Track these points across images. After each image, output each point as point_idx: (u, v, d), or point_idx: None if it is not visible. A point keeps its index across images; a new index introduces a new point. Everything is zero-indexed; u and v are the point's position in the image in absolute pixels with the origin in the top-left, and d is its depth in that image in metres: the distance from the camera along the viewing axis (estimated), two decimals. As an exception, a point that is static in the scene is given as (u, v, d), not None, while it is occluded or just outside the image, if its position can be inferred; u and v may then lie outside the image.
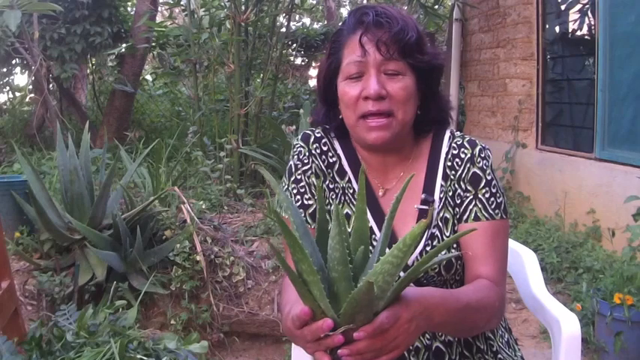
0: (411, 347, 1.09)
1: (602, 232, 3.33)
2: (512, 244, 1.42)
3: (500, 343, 1.15)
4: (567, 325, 1.16)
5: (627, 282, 2.48)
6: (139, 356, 1.32)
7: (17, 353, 1.31)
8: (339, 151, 1.17)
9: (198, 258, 2.65)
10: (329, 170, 1.15)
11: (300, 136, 1.19)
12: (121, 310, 1.58)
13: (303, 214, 1.12)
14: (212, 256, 2.72)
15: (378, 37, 1.04)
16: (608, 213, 3.32)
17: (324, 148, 1.17)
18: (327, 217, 0.83)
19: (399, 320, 0.75)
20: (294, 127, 4.11)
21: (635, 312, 2.30)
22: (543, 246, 3.39)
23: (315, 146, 1.16)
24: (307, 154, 1.15)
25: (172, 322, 2.57)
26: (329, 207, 1.13)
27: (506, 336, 1.19)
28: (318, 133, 1.18)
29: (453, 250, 1.08)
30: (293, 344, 1.30)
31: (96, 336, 1.36)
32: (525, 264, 1.36)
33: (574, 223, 3.63)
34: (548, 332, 1.29)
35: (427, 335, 1.09)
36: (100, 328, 1.39)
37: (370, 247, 0.82)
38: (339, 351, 0.75)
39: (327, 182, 1.15)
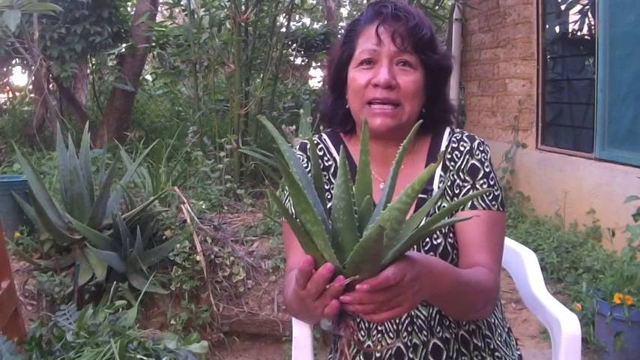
0: (409, 344, 1.09)
1: (602, 232, 3.33)
2: (513, 244, 1.43)
3: (498, 342, 1.15)
4: (567, 325, 1.16)
5: (627, 282, 2.48)
6: (139, 356, 1.32)
7: (17, 353, 1.31)
8: (335, 155, 1.21)
9: (198, 258, 2.65)
10: (325, 173, 1.19)
11: (297, 146, 1.24)
12: (121, 310, 1.58)
13: None
14: (212, 256, 2.71)
15: (395, 29, 1.07)
16: (608, 213, 3.32)
17: (320, 154, 1.21)
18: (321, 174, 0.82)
19: (405, 277, 0.73)
20: (294, 127, 4.10)
21: (635, 312, 2.30)
22: (543, 246, 3.39)
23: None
24: (306, 160, 1.19)
25: (172, 322, 2.57)
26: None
27: (504, 335, 1.19)
28: (314, 140, 1.23)
29: (449, 239, 1.09)
30: (293, 344, 1.30)
31: (96, 336, 1.36)
32: (525, 264, 1.36)
33: (574, 223, 3.63)
34: (548, 332, 1.29)
35: (424, 332, 1.09)
36: (100, 328, 1.39)
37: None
38: (341, 297, 0.73)
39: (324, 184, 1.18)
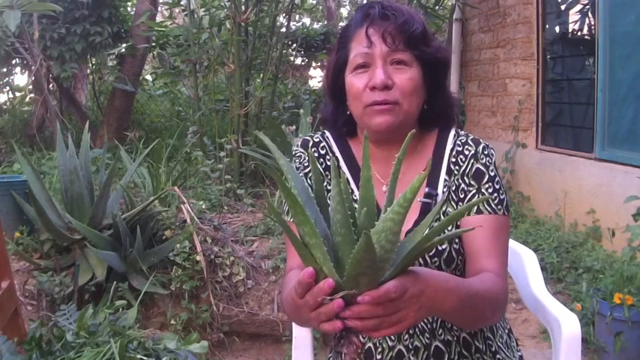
0: (410, 346, 1.09)
1: (602, 232, 3.33)
2: (512, 244, 1.42)
3: (499, 343, 1.15)
4: (567, 325, 1.16)
5: (627, 282, 2.48)
6: (139, 356, 1.32)
7: (17, 353, 1.31)
8: (337, 154, 1.19)
9: (198, 258, 2.65)
10: (326, 172, 1.17)
11: (299, 143, 1.22)
12: (121, 310, 1.58)
13: None
14: (212, 256, 2.72)
15: (384, 29, 1.06)
16: (608, 213, 3.32)
17: (322, 152, 1.19)
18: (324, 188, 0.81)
19: (406, 293, 0.72)
20: (294, 127, 4.10)
21: (635, 312, 2.30)
22: (543, 246, 3.39)
23: (313, 150, 1.19)
24: (307, 158, 1.18)
25: (172, 322, 2.58)
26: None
27: (505, 336, 1.19)
28: (316, 138, 1.21)
29: (454, 245, 1.08)
30: (293, 344, 1.30)
31: (96, 336, 1.36)
32: (525, 264, 1.36)
33: (574, 223, 3.63)
34: (548, 332, 1.29)
35: (427, 334, 1.09)
36: (100, 328, 1.39)
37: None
38: (342, 312, 0.72)
39: (325, 184, 1.16)
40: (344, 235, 0.71)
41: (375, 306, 0.71)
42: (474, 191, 1.10)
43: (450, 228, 1.09)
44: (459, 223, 1.09)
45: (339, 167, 1.17)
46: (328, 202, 0.78)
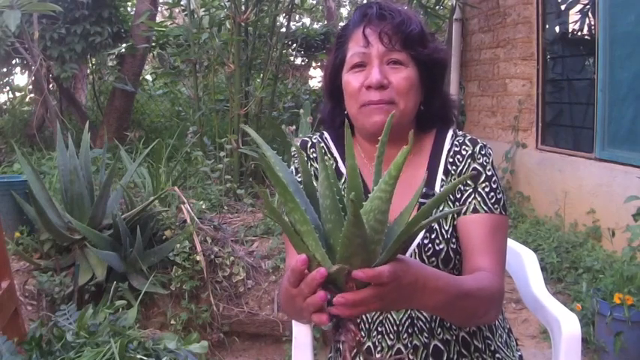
0: (409, 345, 1.09)
1: (602, 232, 3.33)
2: (512, 244, 1.43)
3: (498, 343, 1.15)
4: (567, 325, 1.16)
5: (627, 282, 2.48)
6: (139, 356, 1.32)
7: (17, 353, 1.31)
8: (336, 154, 1.20)
9: (198, 258, 2.65)
10: None
11: (298, 143, 1.23)
12: (121, 310, 1.58)
13: None
14: (212, 256, 2.72)
15: (381, 29, 1.07)
16: (608, 213, 3.32)
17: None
18: (312, 180, 0.81)
19: (398, 279, 0.72)
20: (294, 127, 4.10)
21: (635, 312, 2.30)
22: (543, 246, 3.39)
23: (312, 151, 1.20)
24: (305, 158, 1.18)
25: (172, 322, 2.58)
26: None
27: (504, 336, 1.19)
28: (315, 138, 1.22)
29: (452, 245, 1.08)
30: (293, 344, 1.30)
31: (96, 336, 1.36)
32: (525, 264, 1.36)
33: (574, 223, 3.63)
34: (548, 332, 1.29)
35: (425, 334, 1.09)
36: (100, 328, 1.39)
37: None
38: (334, 299, 0.71)
39: None
40: (334, 220, 0.70)
41: (367, 293, 0.71)
42: (470, 190, 1.10)
43: (448, 230, 1.10)
44: (455, 223, 1.09)
45: (337, 167, 1.18)
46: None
